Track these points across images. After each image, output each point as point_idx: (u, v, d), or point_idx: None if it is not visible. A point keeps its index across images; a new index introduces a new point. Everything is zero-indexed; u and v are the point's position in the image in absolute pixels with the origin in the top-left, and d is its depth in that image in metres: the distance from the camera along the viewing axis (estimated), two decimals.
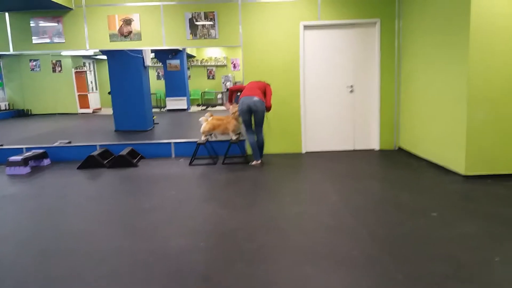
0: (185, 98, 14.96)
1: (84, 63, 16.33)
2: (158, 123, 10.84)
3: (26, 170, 5.80)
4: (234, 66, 17.52)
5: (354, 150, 6.69)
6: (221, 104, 16.18)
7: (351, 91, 6.56)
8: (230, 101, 6.02)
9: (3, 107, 14.53)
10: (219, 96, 16.81)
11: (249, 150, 6.50)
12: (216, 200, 4.25)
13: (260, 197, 4.34)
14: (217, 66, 17.62)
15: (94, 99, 16.07)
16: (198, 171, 5.61)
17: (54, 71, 15.32)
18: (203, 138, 6.10)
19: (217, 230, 3.44)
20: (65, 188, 4.95)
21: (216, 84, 17.58)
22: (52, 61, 15.20)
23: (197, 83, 17.45)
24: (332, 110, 6.60)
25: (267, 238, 3.24)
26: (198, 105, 15.93)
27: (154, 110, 14.43)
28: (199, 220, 3.67)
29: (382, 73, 6.49)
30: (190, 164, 5.99)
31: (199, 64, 17.51)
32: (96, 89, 16.71)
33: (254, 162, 5.75)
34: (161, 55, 14.66)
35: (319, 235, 3.27)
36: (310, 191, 4.52)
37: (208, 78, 17.74)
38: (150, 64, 9.98)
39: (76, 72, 15.34)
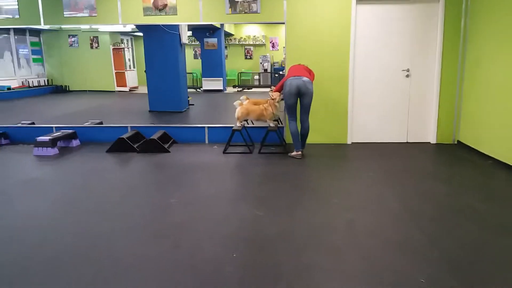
0: (221, 78, 14.49)
1: (122, 39, 16.12)
2: (193, 104, 10.44)
3: (53, 151, 5.52)
4: (273, 46, 16.80)
5: (406, 143, 5.98)
6: (258, 86, 15.60)
7: (407, 76, 5.81)
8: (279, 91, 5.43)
9: (42, 83, 14.61)
10: (256, 77, 16.21)
11: (288, 138, 5.93)
12: (252, 199, 3.74)
13: (303, 198, 3.79)
14: (255, 45, 16.96)
15: (132, 77, 15.88)
16: (232, 161, 5.12)
17: (91, 47, 15.20)
18: (238, 124, 5.58)
19: (253, 238, 2.94)
20: (91, 175, 4.60)
21: (254, 65, 16.95)
22: (90, 37, 15.07)
23: (234, 63, 16.91)
24: (383, 96, 5.89)
25: (314, 254, 2.70)
26: (234, 86, 15.43)
27: (189, 90, 14.07)
28: (232, 224, 3.18)
29: (443, 56, 5.68)
30: (224, 152, 5.51)
31: (237, 43, 16.92)
32: (134, 66, 16.51)
33: (294, 153, 5.19)
34: (199, 32, 14.18)
35: (381, 254, 2.70)
36: (362, 192, 3.92)
37: (246, 57, 17.14)
38: (187, 42, 9.52)
39: (113, 49, 15.14)
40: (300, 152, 5.15)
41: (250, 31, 16.96)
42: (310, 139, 5.78)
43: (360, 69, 5.81)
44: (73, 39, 15.09)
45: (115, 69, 15.20)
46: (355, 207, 3.51)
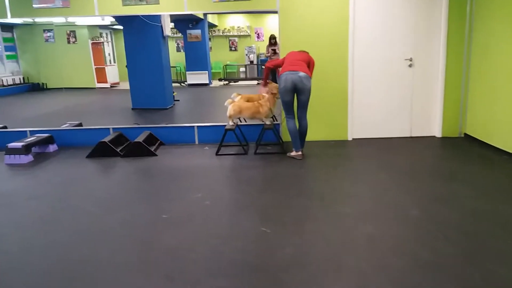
0: (206, 72, 13.96)
1: (101, 33, 15.39)
2: (178, 100, 9.92)
3: (27, 158, 4.99)
4: (258, 36, 16.30)
5: (410, 137, 5.62)
6: (244, 79, 15.11)
7: (410, 65, 5.43)
8: (265, 82, 4.98)
9: (17, 81, 13.83)
10: (242, 69, 15.71)
11: (285, 137, 5.51)
12: (254, 210, 3.31)
13: (311, 207, 3.37)
14: (240, 36, 16.43)
15: (113, 73, 15.20)
16: (227, 164, 4.68)
17: (68, 42, 14.46)
18: (230, 123, 5.13)
19: (263, 265, 2.51)
20: (69, 186, 4.10)
21: (239, 57, 16.44)
22: (66, 31, 14.31)
23: (218, 55, 16.35)
24: (385, 88, 5.50)
25: (337, 282, 2.29)
26: (220, 79, 14.90)
27: (174, 85, 13.50)
28: (235, 246, 2.75)
29: (448, 44, 5.31)
30: (217, 153, 5.06)
31: (221, 34, 16.36)
32: (114, 61, 15.82)
33: (293, 153, 4.77)
34: (181, 24, 13.59)
35: (412, 276, 2.30)
36: (374, 198, 3.53)
37: (231, 49, 16.61)
38: (169, 34, 8.96)
39: (92, 44, 14.42)
40: (300, 152, 4.73)
41: (234, 21, 16.40)
42: (308, 136, 5.36)
43: (360, 59, 5.40)
44: (48, 34, 14.31)
45: (94, 65, 14.49)
46: (371, 217, 3.11)
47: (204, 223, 3.08)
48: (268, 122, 5.08)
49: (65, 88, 14.14)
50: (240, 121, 5.75)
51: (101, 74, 14.58)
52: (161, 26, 8.56)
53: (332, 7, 5.24)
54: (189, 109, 9.26)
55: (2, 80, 13.07)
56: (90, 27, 14.51)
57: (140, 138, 5.24)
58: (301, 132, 4.73)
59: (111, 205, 3.54)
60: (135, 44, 8.51)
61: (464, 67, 5.35)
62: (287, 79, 4.43)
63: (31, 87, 13.96)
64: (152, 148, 5.25)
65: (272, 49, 9.84)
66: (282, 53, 5.30)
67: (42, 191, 3.95)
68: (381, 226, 2.95)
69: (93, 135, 5.66)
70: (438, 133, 5.57)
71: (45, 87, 14.31)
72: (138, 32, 8.41)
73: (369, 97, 5.50)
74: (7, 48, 13.74)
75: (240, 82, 14.81)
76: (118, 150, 5.18)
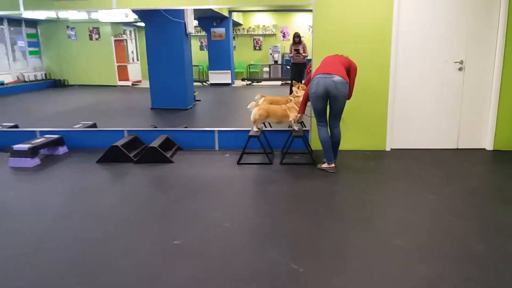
0: (229, 71, 13.50)
1: (124, 30, 15.14)
2: (200, 100, 9.48)
3: (34, 162, 4.59)
4: (284, 36, 15.75)
5: (456, 149, 4.97)
6: (268, 79, 14.57)
7: (460, 69, 4.78)
8: (303, 109, 4.35)
9: (39, 77, 13.70)
10: (266, 69, 15.19)
11: (314, 144, 4.95)
12: (282, 238, 2.78)
13: (352, 236, 2.81)
14: (265, 35, 15.92)
15: (135, 70, 14.93)
16: (249, 175, 4.16)
17: (91, 38, 14.24)
18: (254, 128, 4.61)
19: None
20: (72, 199, 3.65)
21: (263, 56, 15.93)
22: (89, 28, 14.10)
23: (242, 54, 15.88)
24: (430, 93, 4.87)
25: None
26: (243, 79, 14.42)
27: (195, 84, 13.10)
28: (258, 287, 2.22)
29: (506, 45, 4.64)
30: (239, 162, 4.54)
31: (245, 33, 15.88)
32: (137, 59, 15.55)
33: (325, 165, 4.21)
34: (205, 22, 13.17)
35: None
36: (427, 226, 2.94)
37: (255, 48, 16.13)
38: (193, 32, 8.52)
39: (115, 41, 14.15)
40: (333, 165, 4.17)
41: (259, 20, 15.90)
42: (342, 145, 4.81)
43: (403, 61, 4.78)
44: (71, 31, 14.12)
45: (117, 62, 14.23)
46: (428, 253, 2.53)
47: (223, 255, 2.56)
48: (296, 128, 4.53)
49: (86, 85, 13.93)
50: (265, 126, 5.22)
51: (123, 72, 14.31)
52: (184, 23, 8.13)
53: (374, 4, 4.65)
54: (210, 110, 8.80)
55: (24, 76, 12.94)
56: (114, 24, 14.26)
57: (156, 143, 4.78)
58: (334, 142, 4.16)
59: (116, 225, 3.07)
60: (157, 41, 8.11)
61: None
62: (319, 83, 3.87)
63: (53, 84, 13.81)
64: (169, 154, 4.78)
65: (295, 49, 9.08)
66: (316, 57, 4.74)
67: (41, 204, 3.51)
68: (442, 266, 2.36)
69: (106, 137, 5.23)
70: (489, 146, 4.90)
71: (66, 83, 14.14)
72: (160, 28, 8.00)
73: (412, 103, 4.88)
74: (30, 44, 13.63)
75: (264, 83, 14.30)
76: (131, 155, 4.74)
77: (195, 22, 13.48)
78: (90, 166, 4.59)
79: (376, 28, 4.70)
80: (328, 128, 4.15)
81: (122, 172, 4.39)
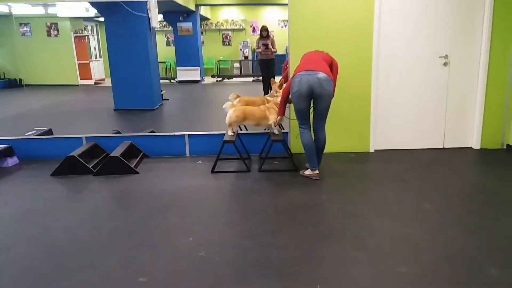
0: (198, 68, 12.96)
1: (85, 26, 14.27)
2: (167, 99, 8.95)
3: None
4: (253, 30, 15.33)
5: (443, 149, 4.72)
6: (239, 75, 14.12)
7: (445, 64, 4.52)
8: (282, 112, 3.93)
9: None
10: (236, 65, 14.74)
11: (294, 147, 4.58)
12: (267, 265, 2.38)
13: (348, 259, 2.44)
14: (234, 30, 15.44)
15: (98, 68, 14.12)
16: (225, 186, 3.73)
17: (49, 35, 13.31)
18: (230, 132, 4.18)
19: None
20: (18, 223, 3.11)
21: (233, 52, 15.46)
22: (46, 23, 13.16)
23: (211, 50, 15.34)
24: (414, 91, 4.59)
25: None
26: (213, 76, 13.90)
27: (163, 81, 12.48)
28: None
29: (493, 39, 4.41)
30: (213, 171, 4.10)
31: (214, 27, 15.34)
32: (100, 56, 14.71)
33: (309, 172, 3.84)
34: (171, 16, 12.56)
35: None
36: (431, 244, 2.61)
37: (224, 44, 15.63)
38: (157, 26, 7.96)
39: (76, 37, 13.29)
40: (317, 172, 3.80)
41: (228, 14, 15.41)
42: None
43: (386, 57, 4.47)
44: (25, 28, 13.13)
45: (78, 60, 13.37)
46: (436, 280, 2.19)
47: None
48: (276, 132, 4.14)
49: (44, 85, 13.01)
50: (241, 129, 4.80)
51: (84, 70, 13.47)
52: (148, 17, 7.56)
53: None
54: (179, 110, 8.28)
55: None
56: (73, 20, 13.38)
57: (118, 151, 4.27)
58: (318, 146, 3.79)
59: (70, 255, 2.57)
60: (118, 37, 7.52)
61: (511, 67, 4.46)
62: (302, 81, 3.48)
63: (7, 84, 12.81)
64: (133, 163, 4.28)
65: (263, 44, 8.10)
66: (293, 53, 4.36)
67: None
68: None
69: (62, 145, 4.68)
70: (475, 144, 4.68)
71: (22, 83, 13.17)
72: (121, 23, 7.41)
73: (396, 101, 4.59)
74: None
75: (235, 79, 13.84)
76: (90, 166, 4.21)
77: (160, 17, 12.85)
78: (43, 180, 4.03)
79: (356, 21, 4.36)
80: (312, 131, 3.77)
81: (79, 186, 3.86)
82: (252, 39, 15.05)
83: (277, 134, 4.10)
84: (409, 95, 4.58)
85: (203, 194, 3.54)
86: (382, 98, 4.56)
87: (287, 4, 4.40)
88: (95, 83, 13.43)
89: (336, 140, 4.58)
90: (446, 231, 2.75)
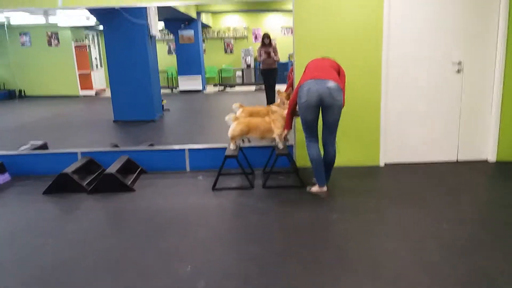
0: (200, 76, 12.77)
1: (86, 35, 14.15)
2: (168, 110, 8.73)
3: None
4: (256, 38, 15.15)
5: (456, 162, 4.46)
6: (241, 84, 13.91)
7: (458, 71, 4.28)
8: (289, 125, 3.74)
9: None
10: (239, 73, 14.55)
11: (300, 161, 4.34)
12: None
13: None
14: (236, 38, 15.28)
15: (99, 78, 13.96)
16: (227, 205, 3.49)
17: (50, 44, 13.18)
18: (232, 146, 3.95)
19: None
20: (5, 244, 2.88)
21: (235, 60, 15.29)
22: (47, 33, 13.03)
23: (213, 58, 15.17)
24: (426, 100, 4.34)
25: None
26: (215, 84, 13.70)
27: (164, 91, 12.28)
28: None
29: (509, 44, 4.17)
30: (214, 188, 3.86)
31: (215, 35, 15.19)
32: (101, 66, 14.57)
33: (316, 189, 3.59)
34: (172, 24, 12.40)
35: None
36: (463, 276, 2.35)
37: (226, 52, 15.46)
38: (157, 35, 7.78)
39: (76, 47, 13.13)
40: (325, 188, 3.55)
41: (229, 21, 15.26)
42: None
43: (396, 64, 4.23)
44: (25, 38, 13.01)
45: (78, 70, 13.21)
46: None
47: None
48: (281, 146, 3.90)
49: (45, 96, 12.84)
50: (243, 142, 4.57)
51: (85, 80, 13.31)
52: (147, 24, 7.38)
53: (363, 1, 4.08)
54: (181, 122, 8.07)
55: None
56: (74, 29, 13.25)
57: (114, 167, 4.04)
58: (327, 162, 3.55)
59: (54, 285, 2.33)
60: (117, 45, 7.34)
61: None
62: (311, 91, 3.24)
63: (7, 95, 12.65)
64: (129, 180, 4.05)
65: (265, 52, 7.65)
66: (298, 60, 4.14)
67: None
68: None
69: (56, 161, 4.45)
70: (491, 157, 4.42)
71: (23, 94, 13.02)
72: (121, 31, 7.23)
73: (406, 111, 4.35)
74: None
75: (237, 88, 13.64)
76: (84, 183, 3.98)
77: (161, 25, 12.71)
78: (34, 198, 3.80)
79: (365, 26, 4.13)
80: (320, 145, 3.53)
81: (71, 206, 3.63)
82: (255, 46, 14.88)
83: (282, 149, 3.86)
84: (420, 104, 4.34)
85: (203, 214, 3.30)
86: (392, 108, 4.32)
87: (290, 11, 4.19)
88: (96, 93, 13.26)
89: (344, 153, 4.33)
90: (469, 256, 2.49)
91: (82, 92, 13.12)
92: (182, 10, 9.65)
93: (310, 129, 3.45)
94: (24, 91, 13.02)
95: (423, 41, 4.22)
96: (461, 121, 4.38)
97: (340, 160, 4.28)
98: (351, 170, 4.24)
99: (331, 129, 3.43)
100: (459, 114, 4.36)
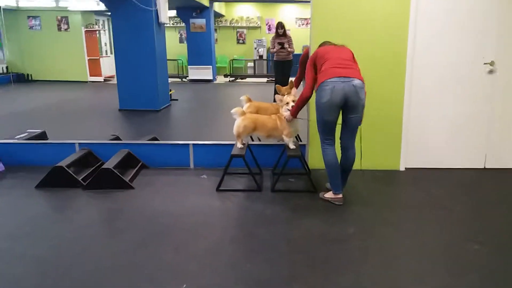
0: (210, 67, 12.44)
1: (96, 21, 13.88)
2: (176, 99, 8.46)
3: None
4: (269, 28, 14.77)
5: (484, 169, 4.09)
6: (252, 75, 13.55)
7: (490, 72, 3.89)
8: (295, 115, 3.43)
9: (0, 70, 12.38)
10: (250, 64, 14.21)
11: (312, 162, 4.01)
12: None
13: None
14: (249, 27, 14.94)
15: (108, 65, 13.69)
16: (231, 210, 3.19)
17: (59, 29, 12.93)
18: (238, 144, 3.63)
19: None
20: None
21: (247, 50, 14.95)
22: (57, 17, 12.79)
23: (224, 48, 14.85)
24: (454, 101, 3.97)
25: None
26: (226, 75, 13.37)
27: (174, 80, 12.02)
28: None
29: None
30: (218, 189, 3.56)
31: (228, 25, 14.84)
32: (111, 52, 14.29)
33: (330, 195, 3.26)
34: (184, 12, 12.07)
35: None
36: None
37: (238, 42, 15.13)
38: (167, 22, 7.45)
39: (86, 32, 12.86)
40: (340, 196, 3.22)
41: (243, 11, 14.89)
42: None
43: (422, 62, 3.86)
44: (33, 21, 12.76)
45: (88, 56, 12.96)
46: None
47: None
48: (292, 146, 3.57)
49: (52, 80, 12.64)
50: (252, 139, 4.25)
51: (94, 66, 13.07)
52: (156, 10, 7.06)
53: None
54: (188, 112, 7.78)
55: None
56: (84, 13, 13.00)
57: (113, 162, 3.75)
58: (345, 167, 3.22)
59: None
60: (125, 31, 7.08)
61: None
62: (337, 90, 2.89)
63: (15, 78, 12.46)
64: (129, 176, 3.76)
65: (279, 43, 7.22)
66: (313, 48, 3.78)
67: None
68: None
69: (52, 152, 4.18)
70: None
71: (30, 78, 12.83)
72: (128, 17, 6.94)
73: (431, 112, 3.98)
74: None
75: (248, 79, 13.30)
76: (80, 178, 3.70)
77: (173, 13, 12.39)
78: (25, 193, 3.54)
79: (389, 18, 3.76)
80: (337, 149, 3.19)
81: (65, 203, 3.36)
82: (268, 37, 14.49)
83: (293, 150, 3.54)
84: (447, 106, 3.97)
85: (204, 220, 2.99)
86: (415, 108, 3.95)
87: (305, 1, 3.82)
88: (104, 79, 13.02)
89: (362, 156, 3.98)
90: (506, 285, 2.16)
91: (91, 78, 12.90)
92: None
93: (329, 131, 3.11)
94: (31, 75, 12.84)
95: (452, 38, 3.84)
96: (491, 125, 4.00)
97: (356, 162, 3.94)
98: (369, 174, 3.89)
99: (353, 131, 3.10)
100: (490, 118, 3.99)
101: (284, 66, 7.37)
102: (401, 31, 3.78)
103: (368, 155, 3.97)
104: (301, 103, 3.27)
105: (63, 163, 3.71)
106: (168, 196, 3.46)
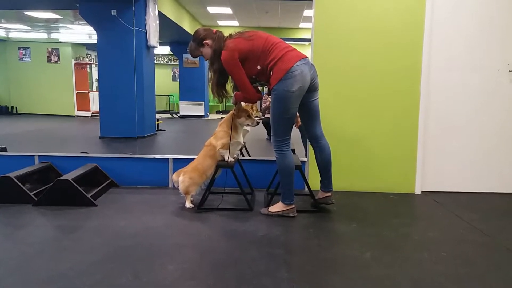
0: (203, 102, 12.03)
1: (88, 55, 13.61)
2: (164, 130, 7.89)
3: None
4: None
5: (509, 193, 3.50)
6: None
7: None
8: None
9: None
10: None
11: (312, 179, 3.39)
12: None
13: None
14: None
15: (97, 100, 13.19)
16: (215, 234, 2.52)
17: (49, 61, 12.58)
18: (188, 204, 2.92)
19: None
20: None
21: None
22: (48, 49, 12.48)
23: None
24: (476, 115, 3.46)
25: None
26: (218, 112, 12.93)
27: (164, 116, 11.56)
28: None
29: None
30: (200, 207, 2.90)
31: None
32: None
33: (280, 207, 2.75)
34: (178, 48, 11.85)
35: None
36: None
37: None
38: (156, 45, 7.06)
39: (76, 64, 12.50)
40: (294, 206, 2.66)
41: None
42: (355, 185, 3.31)
43: (439, 68, 3.39)
44: (24, 52, 12.45)
45: (76, 89, 12.49)
46: None
47: None
48: (229, 159, 2.92)
49: (38, 114, 12.08)
50: (242, 155, 3.66)
51: (83, 101, 12.54)
52: (146, 33, 6.69)
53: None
54: (174, 140, 7.23)
55: None
56: (75, 46, 12.72)
57: (73, 174, 3.11)
58: (326, 159, 2.80)
59: None
60: (110, 53, 6.59)
61: None
62: (305, 73, 2.53)
63: None
64: (91, 193, 3.10)
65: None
66: (316, 58, 3.31)
67: None
68: None
69: (10, 164, 3.51)
70: None
71: (15, 111, 12.28)
72: (114, 37, 6.51)
73: (450, 128, 3.45)
74: None
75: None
76: (33, 192, 3.04)
77: (167, 49, 12.15)
78: None
79: (402, 20, 3.33)
80: (308, 143, 2.75)
81: (9, 221, 2.68)
82: None
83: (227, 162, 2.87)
84: (467, 120, 3.45)
85: (179, 248, 2.32)
86: (433, 123, 3.42)
87: (304, 41, 3.42)
88: (92, 115, 12.48)
89: (372, 177, 3.39)
90: None
91: (78, 113, 12.36)
92: (186, 28, 9.09)
93: (290, 127, 2.69)
94: (16, 108, 12.30)
95: (472, 44, 3.39)
96: None
97: (368, 184, 3.35)
98: (381, 197, 3.27)
99: (319, 115, 2.79)
100: None
101: None
102: (415, 37, 3.33)
103: (380, 176, 3.40)
104: (249, 99, 2.83)
105: (13, 174, 3.06)
106: (137, 215, 2.80)
